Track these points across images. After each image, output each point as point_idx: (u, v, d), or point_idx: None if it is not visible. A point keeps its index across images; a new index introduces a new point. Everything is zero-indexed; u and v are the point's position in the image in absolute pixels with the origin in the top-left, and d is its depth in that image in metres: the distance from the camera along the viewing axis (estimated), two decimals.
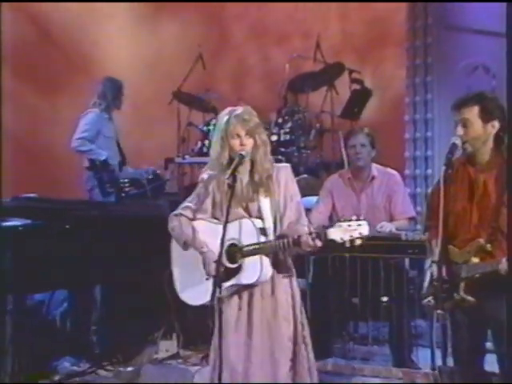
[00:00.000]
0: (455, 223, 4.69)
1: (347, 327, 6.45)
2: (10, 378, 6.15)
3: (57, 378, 6.42)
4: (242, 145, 4.83)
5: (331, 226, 4.61)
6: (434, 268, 4.65)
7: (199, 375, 6.05)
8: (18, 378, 6.20)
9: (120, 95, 8.48)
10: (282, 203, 4.91)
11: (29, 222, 6.33)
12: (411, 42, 8.54)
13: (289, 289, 4.89)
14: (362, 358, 6.28)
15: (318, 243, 4.63)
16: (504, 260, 4.50)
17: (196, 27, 11.01)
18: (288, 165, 5.14)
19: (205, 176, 4.97)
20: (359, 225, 4.55)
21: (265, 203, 4.88)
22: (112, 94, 8.41)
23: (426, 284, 4.83)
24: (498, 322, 4.67)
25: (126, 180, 8.40)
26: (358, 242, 4.56)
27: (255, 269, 4.80)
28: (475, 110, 4.70)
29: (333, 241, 4.57)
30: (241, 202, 4.84)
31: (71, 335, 6.98)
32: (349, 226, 4.56)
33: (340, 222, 4.59)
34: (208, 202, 4.91)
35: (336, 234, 4.58)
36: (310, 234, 4.65)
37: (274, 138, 9.15)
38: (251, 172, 4.88)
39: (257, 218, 4.86)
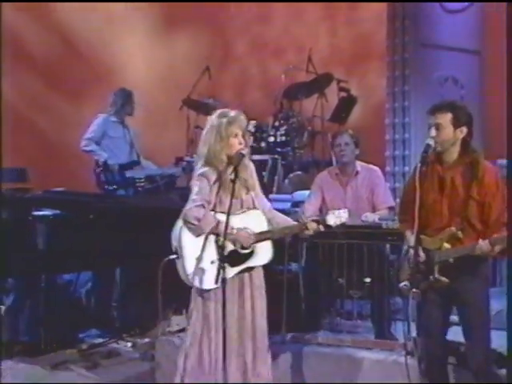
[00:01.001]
0: (427, 214, 4.71)
1: (335, 304, 6.42)
2: (44, 345, 6.25)
3: (83, 346, 6.47)
4: (240, 143, 4.85)
5: (326, 214, 5.00)
6: (411, 252, 4.72)
7: None
8: (51, 346, 6.29)
9: (130, 102, 8.47)
10: (259, 197, 5.00)
11: (58, 212, 6.36)
12: (391, 56, 8.55)
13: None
14: (348, 331, 6.21)
15: (321, 228, 4.92)
16: (481, 241, 4.54)
17: (203, 43, 11.03)
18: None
19: (204, 171, 4.88)
20: (344, 212, 4.99)
21: (254, 196, 4.95)
22: (121, 101, 8.43)
23: (402, 269, 4.87)
24: (465, 299, 4.74)
25: (142, 177, 8.43)
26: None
27: (268, 251, 4.90)
28: (448, 116, 4.71)
29: (329, 226, 4.93)
30: (236, 195, 4.83)
31: (95, 310, 7.01)
32: (338, 213, 4.95)
33: (330, 210, 5.01)
34: (211, 195, 4.85)
35: (331, 219, 4.92)
36: (316, 221, 4.92)
37: (271, 139, 9.19)
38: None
39: (254, 208, 4.93)
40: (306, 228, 4.88)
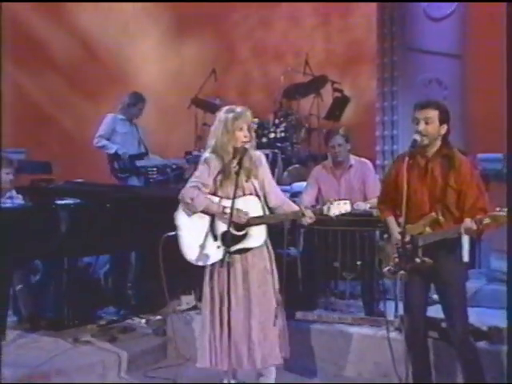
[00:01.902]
0: (409, 203, 4.67)
1: (330, 285, 6.44)
2: (67, 321, 6.29)
3: (102, 322, 6.49)
4: (245, 136, 4.87)
5: (325, 204, 4.84)
6: (396, 237, 4.75)
7: None
8: (73, 321, 6.33)
9: (138, 105, 8.49)
10: (266, 184, 4.97)
11: (78, 201, 6.34)
12: (380, 59, 8.53)
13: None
14: (341, 310, 6.26)
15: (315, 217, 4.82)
16: (468, 220, 4.55)
17: (210, 48, 11.06)
18: (262, 154, 5.13)
19: (208, 157, 4.92)
20: (345, 203, 4.81)
21: (256, 184, 4.93)
22: (128, 102, 8.48)
23: (385, 254, 4.91)
24: (445, 279, 4.77)
25: (154, 168, 8.47)
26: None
27: (261, 234, 4.90)
28: (436, 112, 4.73)
29: (327, 215, 4.81)
30: (237, 182, 4.82)
31: (112, 290, 7.02)
32: (338, 204, 4.80)
33: (331, 201, 4.83)
34: (211, 180, 4.89)
35: (332, 209, 4.80)
36: (317, 211, 4.82)
37: (272, 135, 9.23)
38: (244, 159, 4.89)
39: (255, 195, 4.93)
40: (303, 215, 4.83)
